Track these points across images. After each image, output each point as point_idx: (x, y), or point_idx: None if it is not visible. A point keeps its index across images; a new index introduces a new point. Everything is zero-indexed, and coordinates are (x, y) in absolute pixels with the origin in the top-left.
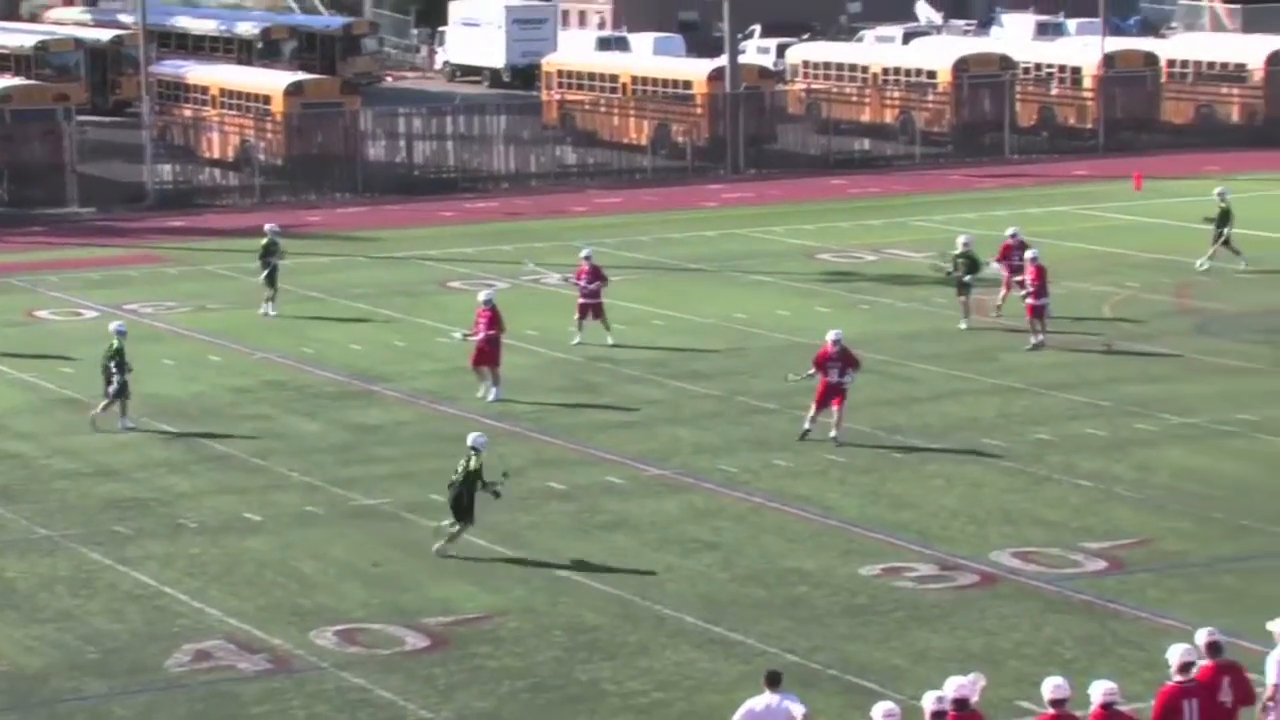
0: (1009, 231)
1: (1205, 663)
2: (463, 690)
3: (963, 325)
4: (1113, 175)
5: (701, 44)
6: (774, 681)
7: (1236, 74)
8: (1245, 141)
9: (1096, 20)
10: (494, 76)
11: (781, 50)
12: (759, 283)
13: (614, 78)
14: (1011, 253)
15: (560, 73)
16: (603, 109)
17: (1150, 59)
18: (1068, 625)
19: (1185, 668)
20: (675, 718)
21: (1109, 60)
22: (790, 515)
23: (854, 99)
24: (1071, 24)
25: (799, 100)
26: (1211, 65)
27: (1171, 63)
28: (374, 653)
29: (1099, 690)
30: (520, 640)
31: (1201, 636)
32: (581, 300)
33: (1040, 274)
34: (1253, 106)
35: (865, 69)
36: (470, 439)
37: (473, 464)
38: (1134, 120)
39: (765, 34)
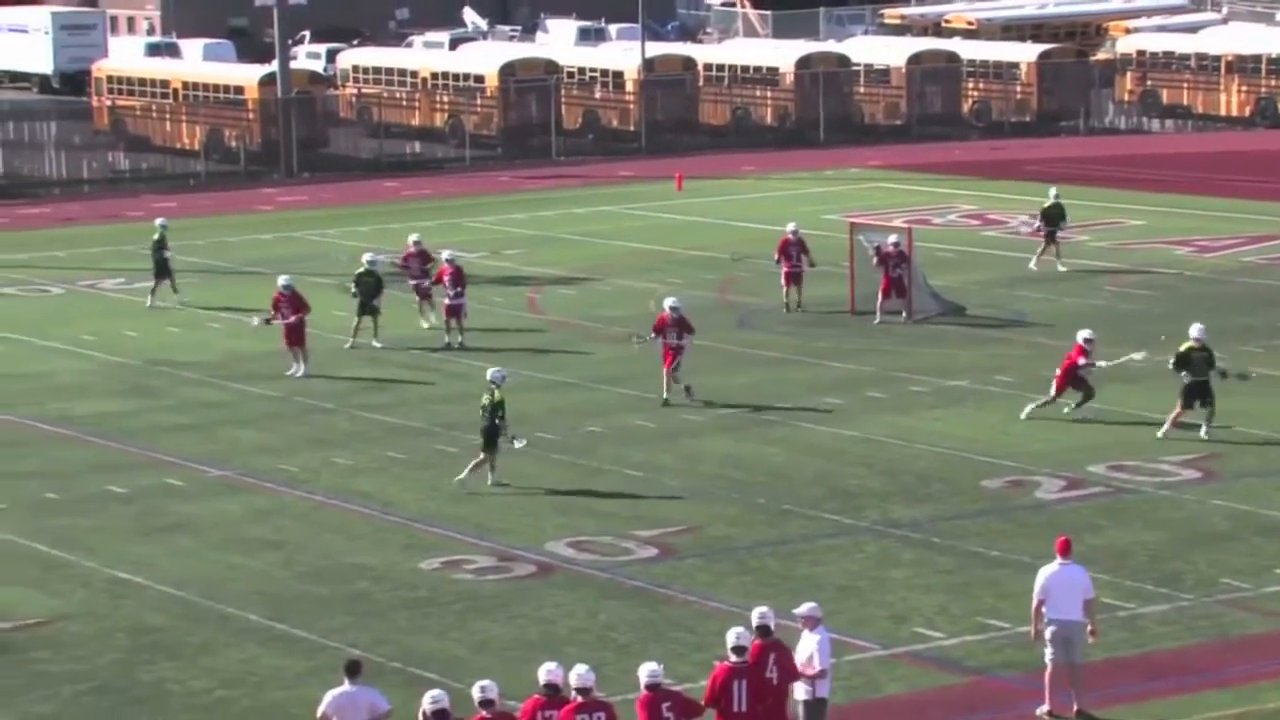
0: (789, 227)
1: (754, 641)
2: (23, 695)
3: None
4: (655, 176)
5: (252, 49)
6: (353, 671)
7: (769, 77)
8: (777, 142)
9: (636, 26)
10: (43, 82)
11: (332, 55)
12: (316, 284)
13: (165, 83)
14: (789, 247)
15: (111, 78)
16: (155, 114)
17: (688, 63)
18: (621, 611)
19: (738, 650)
20: (239, 715)
21: (649, 65)
22: (351, 512)
23: (404, 103)
24: (613, 29)
25: (350, 104)
26: (746, 69)
27: (708, 67)
28: None
29: (644, 671)
30: (82, 643)
31: (753, 619)
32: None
33: (458, 274)
34: (783, 108)
35: (415, 73)
36: (489, 374)
37: (496, 396)
38: (674, 122)
39: (315, 39)
